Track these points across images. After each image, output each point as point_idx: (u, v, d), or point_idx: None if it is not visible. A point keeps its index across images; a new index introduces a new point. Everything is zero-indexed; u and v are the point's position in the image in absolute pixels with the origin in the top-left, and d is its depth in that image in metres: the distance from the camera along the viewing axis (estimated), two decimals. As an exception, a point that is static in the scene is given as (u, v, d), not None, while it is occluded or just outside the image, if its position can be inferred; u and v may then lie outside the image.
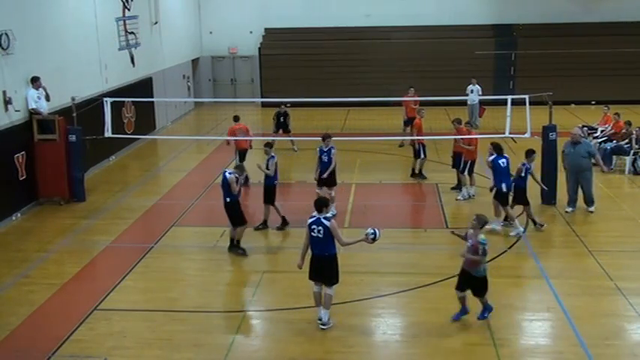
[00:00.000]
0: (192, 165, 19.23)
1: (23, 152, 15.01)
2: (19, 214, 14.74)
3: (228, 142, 17.92)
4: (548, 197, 14.83)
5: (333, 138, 14.43)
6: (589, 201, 14.49)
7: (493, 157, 13.46)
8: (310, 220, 9.45)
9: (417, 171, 17.33)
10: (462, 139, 15.56)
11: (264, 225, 13.73)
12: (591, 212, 14.32)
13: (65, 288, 11.16)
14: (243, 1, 30.13)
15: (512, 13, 29.21)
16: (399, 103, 21.17)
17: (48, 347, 9.14)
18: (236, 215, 12.39)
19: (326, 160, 13.98)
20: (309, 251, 9.57)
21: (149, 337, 9.48)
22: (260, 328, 9.96)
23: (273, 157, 13.56)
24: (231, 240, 12.52)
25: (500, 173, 13.33)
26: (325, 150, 13.99)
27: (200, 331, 9.66)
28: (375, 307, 10.40)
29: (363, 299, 10.55)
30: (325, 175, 14.02)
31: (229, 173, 12.23)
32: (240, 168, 12.62)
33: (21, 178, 14.94)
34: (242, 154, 16.85)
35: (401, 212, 15.28)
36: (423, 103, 19.55)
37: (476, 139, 15.63)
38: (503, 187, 13.28)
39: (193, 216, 14.86)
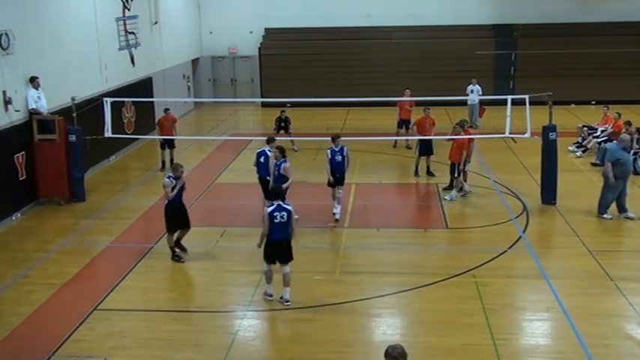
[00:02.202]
0: (192, 165, 19.20)
1: (23, 152, 15.00)
2: (19, 214, 14.74)
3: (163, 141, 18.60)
4: (548, 197, 14.82)
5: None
6: (625, 206, 13.94)
7: (284, 161, 13.14)
8: (271, 209, 10.03)
9: (428, 169, 17.40)
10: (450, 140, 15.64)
11: None
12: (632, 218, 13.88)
13: (65, 288, 11.15)
14: (243, 1, 30.11)
15: (512, 13, 29.18)
16: (395, 104, 21.11)
17: (48, 347, 9.13)
18: (169, 220, 12.03)
19: (340, 160, 13.94)
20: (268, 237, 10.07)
21: (149, 337, 9.48)
22: (260, 328, 9.95)
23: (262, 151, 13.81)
24: (177, 241, 12.27)
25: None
26: (337, 150, 13.93)
27: (200, 331, 9.65)
28: (375, 307, 10.39)
29: (363, 299, 10.54)
30: (346, 174, 14.13)
31: (167, 177, 11.93)
32: (175, 168, 12.12)
33: (21, 178, 14.93)
34: (169, 142, 18.37)
35: (401, 212, 15.27)
36: (423, 103, 19.51)
37: (452, 143, 15.41)
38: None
39: (193, 216, 14.70)
